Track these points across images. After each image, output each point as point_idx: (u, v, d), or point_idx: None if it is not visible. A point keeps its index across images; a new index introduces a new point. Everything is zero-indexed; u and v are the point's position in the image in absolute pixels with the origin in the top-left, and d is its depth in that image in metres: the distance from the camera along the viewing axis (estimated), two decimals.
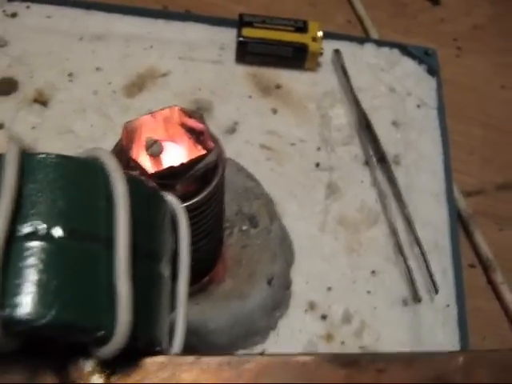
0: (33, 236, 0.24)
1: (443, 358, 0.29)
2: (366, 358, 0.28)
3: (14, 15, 0.58)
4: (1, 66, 0.55)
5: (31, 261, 0.23)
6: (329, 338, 0.46)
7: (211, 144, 0.36)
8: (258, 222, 0.47)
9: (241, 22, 0.57)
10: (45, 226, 0.24)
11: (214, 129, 0.51)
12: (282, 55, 0.57)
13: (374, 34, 0.66)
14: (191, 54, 0.57)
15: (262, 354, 0.44)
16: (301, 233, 0.49)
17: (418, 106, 0.58)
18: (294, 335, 0.46)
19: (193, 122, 0.37)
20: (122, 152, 0.36)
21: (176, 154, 0.36)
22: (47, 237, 0.24)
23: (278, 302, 0.46)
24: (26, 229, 0.24)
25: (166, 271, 0.28)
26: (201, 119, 0.37)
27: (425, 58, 0.60)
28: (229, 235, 0.47)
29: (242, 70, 0.57)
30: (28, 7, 0.58)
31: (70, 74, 0.55)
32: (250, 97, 0.56)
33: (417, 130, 0.56)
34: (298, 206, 0.50)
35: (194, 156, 0.36)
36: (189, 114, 0.37)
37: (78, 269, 0.24)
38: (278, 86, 0.57)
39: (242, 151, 0.52)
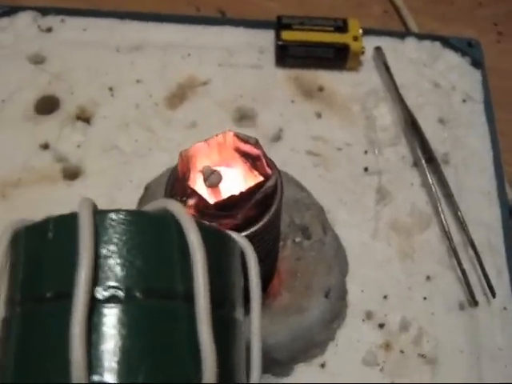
0: (112, 299, 0.24)
1: None
2: None
3: (49, 30, 0.57)
4: (41, 83, 0.54)
5: (113, 325, 0.23)
6: (387, 347, 0.46)
7: (269, 170, 0.36)
8: (311, 233, 0.47)
9: (279, 25, 0.56)
10: (123, 288, 0.24)
11: (259, 137, 0.50)
12: (323, 57, 0.56)
13: (412, 23, 0.64)
14: (230, 60, 0.56)
15: (323, 368, 0.44)
16: (353, 241, 0.49)
17: (464, 101, 0.56)
18: (353, 345, 0.45)
19: (248, 148, 0.36)
20: (179, 180, 0.36)
21: (234, 182, 0.36)
22: (126, 299, 0.24)
23: (336, 314, 0.46)
24: (105, 292, 0.24)
25: (240, 315, 0.28)
26: (256, 144, 0.36)
27: (468, 49, 0.58)
28: (282, 247, 0.46)
29: (283, 73, 0.56)
30: (63, 21, 0.58)
31: (111, 88, 0.54)
32: (293, 101, 0.55)
33: (464, 127, 0.55)
34: (349, 213, 0.50)
35: (252, 183, 0.35)
36: (243, 139, 0.37)
37: (159, 328, 0.24)
38: (321, 89, 0.56)
39: (288, 159, 0.51)
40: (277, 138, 0.53)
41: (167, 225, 0.26)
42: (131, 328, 0.23)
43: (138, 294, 0.24)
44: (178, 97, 0.54)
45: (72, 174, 0.50)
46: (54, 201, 0.48)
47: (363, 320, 0.46)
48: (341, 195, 0.51)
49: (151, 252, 0.25)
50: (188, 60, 0.56)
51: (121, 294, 0.24)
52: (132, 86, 0.55)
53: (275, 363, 0.44)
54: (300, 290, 0.46)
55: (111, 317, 0.23)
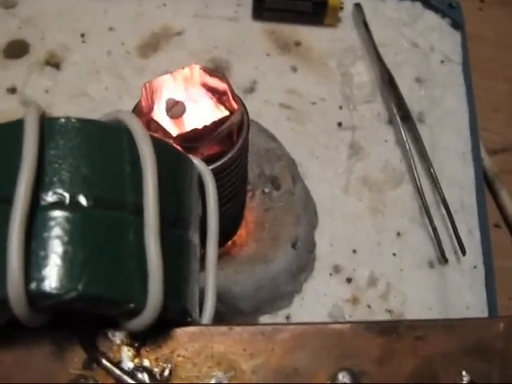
0: (57, 205, 0.23)
1: (483, 324, 0.28)
2: (404, 324, 0.27)
3: None
4: (11, 27, 0.53)
5: (56, 231, 0.22)
6: (354, 301, 0.45)
7: (235, 104, 0.35)
8: (281, 184, 0.46)
9: None
10: (69, 194, 0.23)
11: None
12: (301, 11, 0.54)
13: None
14: (206, 11, 0.55)
15: (288, 320, 0.44)
16: (324, 194, 0.48)
17: (442, 62, 0.56)
18: (319, 299, 0.45)
19: (215, 82, 0.35)
20: (142, 114, 0.35)
21: (199, 115, 0.35)
22: (72, 206, 0.23)
23: (303, 266, 0.45)
24: (50, 198, 0.23)
25: (194, 238, 0.27)
26: (223, 78, 0.35)
27: (448, 11, 0.58)
28: (251, 198, 0.46)
29: (260, 26, 0.55)
30: None
31: (83, 35, 0.53)
32: (269, 55, 0.54)
33: (441, 87, 0.54)
34: (321, 166, 0.49)
35: (217, 117, 0.34)
36: (210, 72, 0.35)
37: (105, 238, 0.23)
38: (298, 43, 0.55)
39: (261, 111, 0.50)
40: (250, 89, 0.52)
41: (118, 135, 0.25)
42: (74, 235, 0.22)
43: (83, 202, 0.23)
44: (151, 46, 0.53)
45: None
46: None
47: (331, 274, 0.46)
48: (313, 148, 0.50)
49: (100, 161, 0.24)
50: (163, 10, 0.55)
51: (65, 200, 0.23)
52: (104, 33, 0.53)
53: (239, 313, 0.43)
54: (267, 240, 0.45)
55: (54, 222, 0.22)
